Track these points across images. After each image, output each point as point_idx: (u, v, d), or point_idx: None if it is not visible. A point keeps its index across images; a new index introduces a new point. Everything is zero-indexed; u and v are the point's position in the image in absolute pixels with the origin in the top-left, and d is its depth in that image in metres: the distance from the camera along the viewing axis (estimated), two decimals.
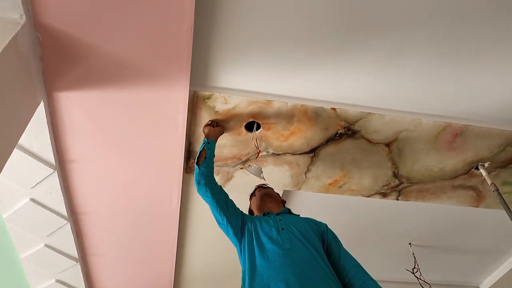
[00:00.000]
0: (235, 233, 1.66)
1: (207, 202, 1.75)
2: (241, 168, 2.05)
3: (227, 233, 1.70)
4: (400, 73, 1.90)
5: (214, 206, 1.72)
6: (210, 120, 2.03)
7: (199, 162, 1.81)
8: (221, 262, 2.90)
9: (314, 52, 1.81)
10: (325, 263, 1.49)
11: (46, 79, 1.70)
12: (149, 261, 2.71)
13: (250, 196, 2.04)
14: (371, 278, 1.48)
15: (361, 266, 1.54)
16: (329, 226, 1.75)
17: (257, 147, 2.09)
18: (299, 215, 1.83)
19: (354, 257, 1.59)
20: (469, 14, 1.68)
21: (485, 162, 2.29)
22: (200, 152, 1.85)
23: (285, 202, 2.01)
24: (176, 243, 2.60)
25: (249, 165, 2.04)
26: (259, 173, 2.02)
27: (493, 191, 2.21)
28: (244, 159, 2.24)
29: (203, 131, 2.01)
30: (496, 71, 1.90)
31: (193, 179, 2.32)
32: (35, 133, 1.85)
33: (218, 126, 2.03)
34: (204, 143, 1.89)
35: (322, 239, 1.65)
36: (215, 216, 1.73)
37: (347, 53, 1.81)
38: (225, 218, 1.68)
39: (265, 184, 2.07)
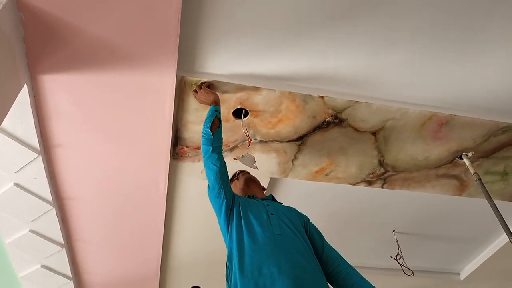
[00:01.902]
0: (227, 209, 1.64)
1: (212, 170, 1.68)
2: (234, 159, 2.05)
3: (219, 207, 1.66)
4: (387, 63, 1.91)
5: (217, 177, 1.66)
6: (201, 83, 1.91)
7: (213, 130, 1.74)
8: (208, 249, 2.91)
9: (303, 40, 1.80)
10: (312, 252, 1.53)
11: (29, 61, 1.66)
12: (135, 247, 2.71)
13: (231, 179, 2.03)
14: (355, 269, 1.55)
15: (344, 258, 1.60)
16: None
17: (248, 136, 2.09)
18: (282, 203, 1.86)
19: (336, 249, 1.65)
20: (456, 6, 1.68)
21: (469, 152, 2.34)
22: (213, 120, 1.76)
23: (265, 189, 2.04)
24: (163, 229, 2.60)
25: (242, 155, 2.02)
26: (252, 163, 2.01)
27: (476, 180, 2.26)
28: (231, 146, 2.24)
29: (205, 96, 1.87)
30: (482, 62, 1.92)
31: (180, 166, 2.34)
32: (19, 116, 1.82)
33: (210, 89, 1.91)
34: (217, 111, 1.80)
35: (305, 229, 1.69)
36: (213, 187, 1.67)
37: (335, 41, 1.81)
38: (223, 193, 1.65)
39: (245, 170, 2.08)
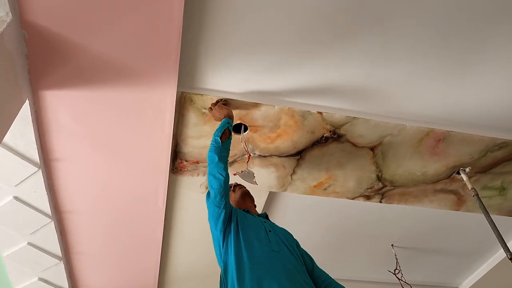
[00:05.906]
0: (224, 220, 1.63)
1: (217, 179, 1.66)
2: (234, 174, 2.05)
3: (217, 217, 1.63)
4: (386, 80, 1.93)
5: (221, 186, 1.64)
6: (218, 99, 1.94)
7: (223, 139, 1.75)
8: (206, 261, 2.90)
9: (302, 57, 1.83)
10: (307, 272, 1.55)
11: (31, 77, 1.68)
12: (133, 259, 2.71)
13: None
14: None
15: (333, 278, 1.65)
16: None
17: (247, 151, 2.10)
18: (274, 223, 1.87)
19: None
20: (452, 25, 1.71)
21: (466, 167, 2.35)
22: (224, 130, 1.77)
23: (256, 207, 2.06)
24: (161, 242, 2.60)
25: (241, 171, 2.03)
26: (251, 178, 2.02)
27: (473, 196, 2.27)
28: (230, 160, 2.25)
29: (219, 112, 1.88)
30: (478, 80, 1.95)
31: (179, 179, 2.34)
32: (20, 131, 1.83)
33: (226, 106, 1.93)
34: (229, 123, 1.81)
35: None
36: (215, 196, 1.65)
37: (334, 58, 1.83)
38: (223, 203, 1.64)
39: (241, 184, 2.09)
